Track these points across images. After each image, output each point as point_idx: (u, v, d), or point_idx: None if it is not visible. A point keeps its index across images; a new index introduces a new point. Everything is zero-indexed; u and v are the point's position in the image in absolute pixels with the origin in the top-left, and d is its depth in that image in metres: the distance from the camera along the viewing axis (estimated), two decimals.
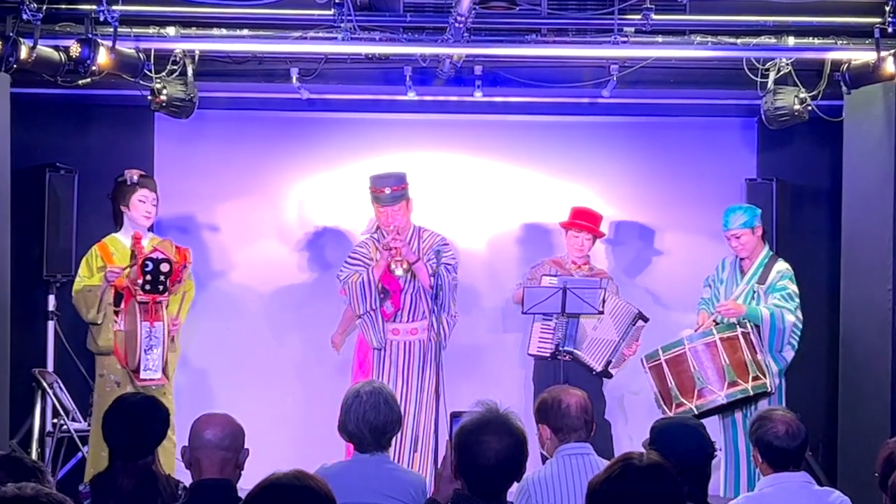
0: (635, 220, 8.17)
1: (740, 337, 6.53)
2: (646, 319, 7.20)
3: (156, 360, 6.38)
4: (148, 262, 6.33)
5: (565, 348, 7.13)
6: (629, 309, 7.20)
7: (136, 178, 6.79)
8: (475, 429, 3.42)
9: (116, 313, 6.56)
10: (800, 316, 6.76)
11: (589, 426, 4.53)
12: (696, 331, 6.79)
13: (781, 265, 6.87)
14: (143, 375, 6.39)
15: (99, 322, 6.56)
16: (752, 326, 6.64)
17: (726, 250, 7.15)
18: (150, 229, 7.01)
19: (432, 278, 6.88)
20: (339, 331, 7.41)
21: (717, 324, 6.73)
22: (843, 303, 7.17)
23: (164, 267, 6.37)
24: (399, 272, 6.83)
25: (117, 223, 6.90)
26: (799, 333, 6.76)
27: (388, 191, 6.98)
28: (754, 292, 6.81)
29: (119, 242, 6.78)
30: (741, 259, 6.94)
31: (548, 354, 7.19)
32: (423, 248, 7.04)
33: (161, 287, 6.38)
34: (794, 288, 6.80)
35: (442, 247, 7.01)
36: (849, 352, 7.12)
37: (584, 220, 7.42)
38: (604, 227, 7.66)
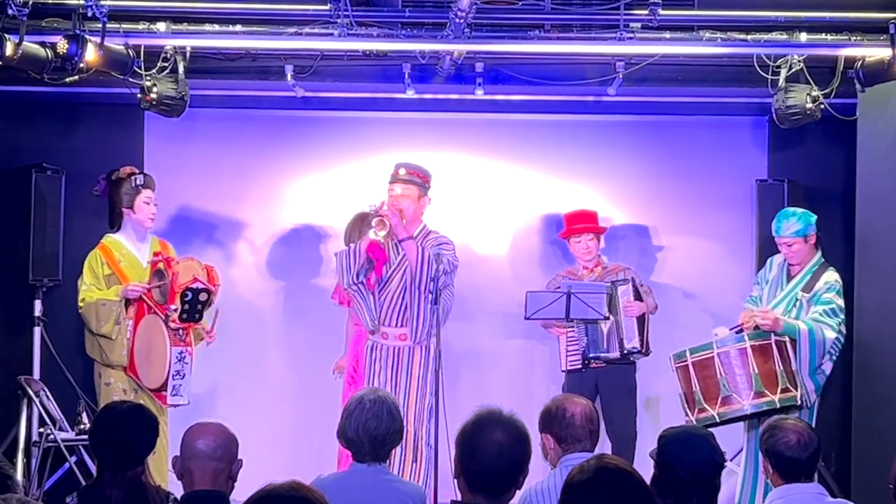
0: (642, 221, 8.17)
1: (774, 346, 6.34)
2: (626, 281, 7.22)
3: (185, 386, 6.52)
4: (188, 293, 6.47)
5: (591, 355, 7.19)
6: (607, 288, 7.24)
7: (141, 179, 6.83)
8: (477, 422, 3.48)
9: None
10: (843, 331, 6.53)
11: (594, 436, 4.53)
12: (734, 329, 6.71)
13: (830, 276, 6.61)
14: (171, 401, 6.55)
15: (113, 337, 6.61)
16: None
17: (735, 252, 7.13)
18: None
19: (432, 283, 6.87)
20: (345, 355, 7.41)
21: (756, 329, 6.64)
22: (857, 308, 7.17)
23: (203, 297, 6.55)
24: (376, 233, 6.75)
25: (115, 224, 6.90)
26: (840, 347, 6.53)
27: (402, 171, 7.01)
28: (797, 300, 6.64)
29: (123, 247, 6.80)
30: (790, 264, 6.83)
31: (580, 366, 7.26)
32: (427, 244, 6.99)
33: (198, 315, 6.55)
34: (840, 302, 6.53)
35: (443, 245, 6.96)
36: (863, 358, 7.12)
37: (580, 223, 7.44)
38: (609, 229, 7.67)
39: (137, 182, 6.81)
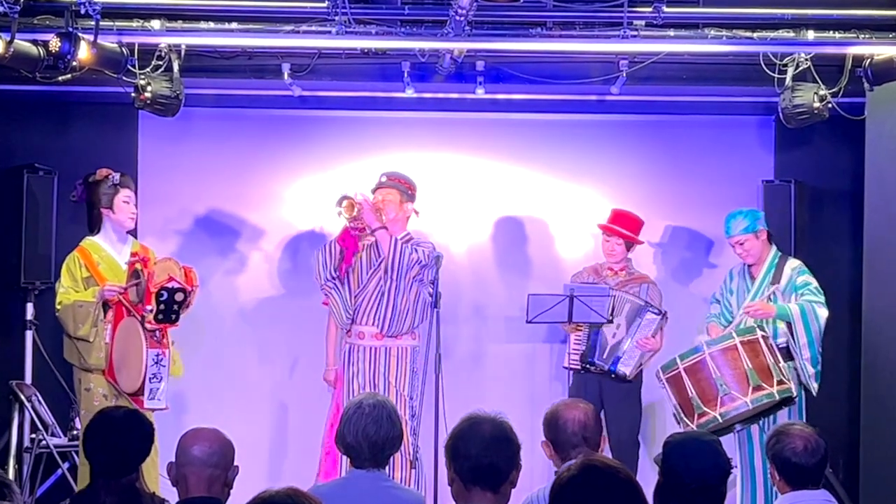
0: (645, 222, 8.16)
1: (761, 340, 6.46)
2: (658, 313, 7.18)
3: (162, 390, 6.48)
4: (163, 292, 6.40)
5: (590, 361, 7.17)
6: (634, 302, 7.20)
7: (118, 178, 6.80)
8: (465, 422, 3.66)
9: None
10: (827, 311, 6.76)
11: (590, 443, 4.50)
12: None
13: (794, 262, 6.86)
14: (147, 405, 6.46)
15: (90, 340, 6.58)
16: (770, 331, 6.61)
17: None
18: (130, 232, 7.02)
19: (431, 286, 6.88)
20: (329, 364, 7.38)
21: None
22: (866, 311, 7.17)
23: (179, 296, 6.48)
24: (340, 213, 6.87)
25: (94, 227, 6.88)
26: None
27: (384, 178, 7.11)
28: (769, 295, 6.79)
29: (101, 249, 6.77)
30: (749, 266, 6.94)
31: (578, 367, 7.25)
32: (407, 247, 6.99)
33: (174, 316, 6.49)
34: (815, 282, 6.80)
35: (422, 244, 7.01)
36: (872, 362, 7.11)
37: (615, 224, 7.44)
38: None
39: (114, 181, 6.78)
